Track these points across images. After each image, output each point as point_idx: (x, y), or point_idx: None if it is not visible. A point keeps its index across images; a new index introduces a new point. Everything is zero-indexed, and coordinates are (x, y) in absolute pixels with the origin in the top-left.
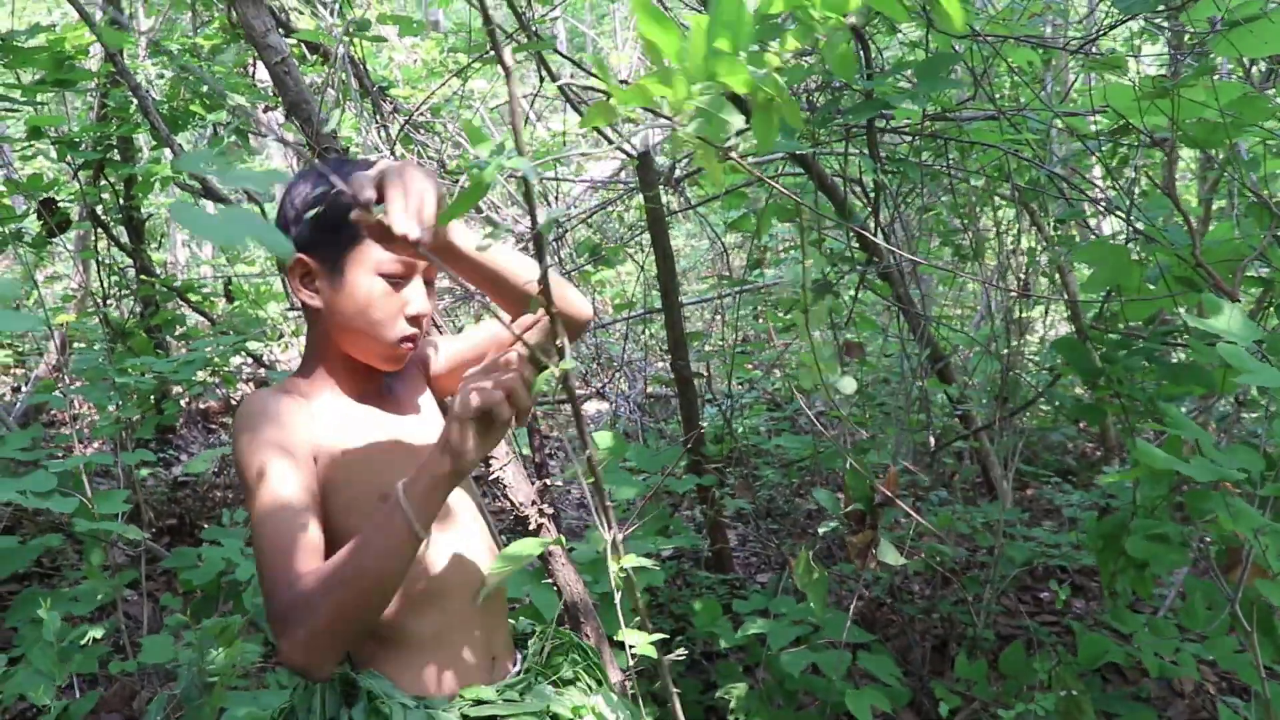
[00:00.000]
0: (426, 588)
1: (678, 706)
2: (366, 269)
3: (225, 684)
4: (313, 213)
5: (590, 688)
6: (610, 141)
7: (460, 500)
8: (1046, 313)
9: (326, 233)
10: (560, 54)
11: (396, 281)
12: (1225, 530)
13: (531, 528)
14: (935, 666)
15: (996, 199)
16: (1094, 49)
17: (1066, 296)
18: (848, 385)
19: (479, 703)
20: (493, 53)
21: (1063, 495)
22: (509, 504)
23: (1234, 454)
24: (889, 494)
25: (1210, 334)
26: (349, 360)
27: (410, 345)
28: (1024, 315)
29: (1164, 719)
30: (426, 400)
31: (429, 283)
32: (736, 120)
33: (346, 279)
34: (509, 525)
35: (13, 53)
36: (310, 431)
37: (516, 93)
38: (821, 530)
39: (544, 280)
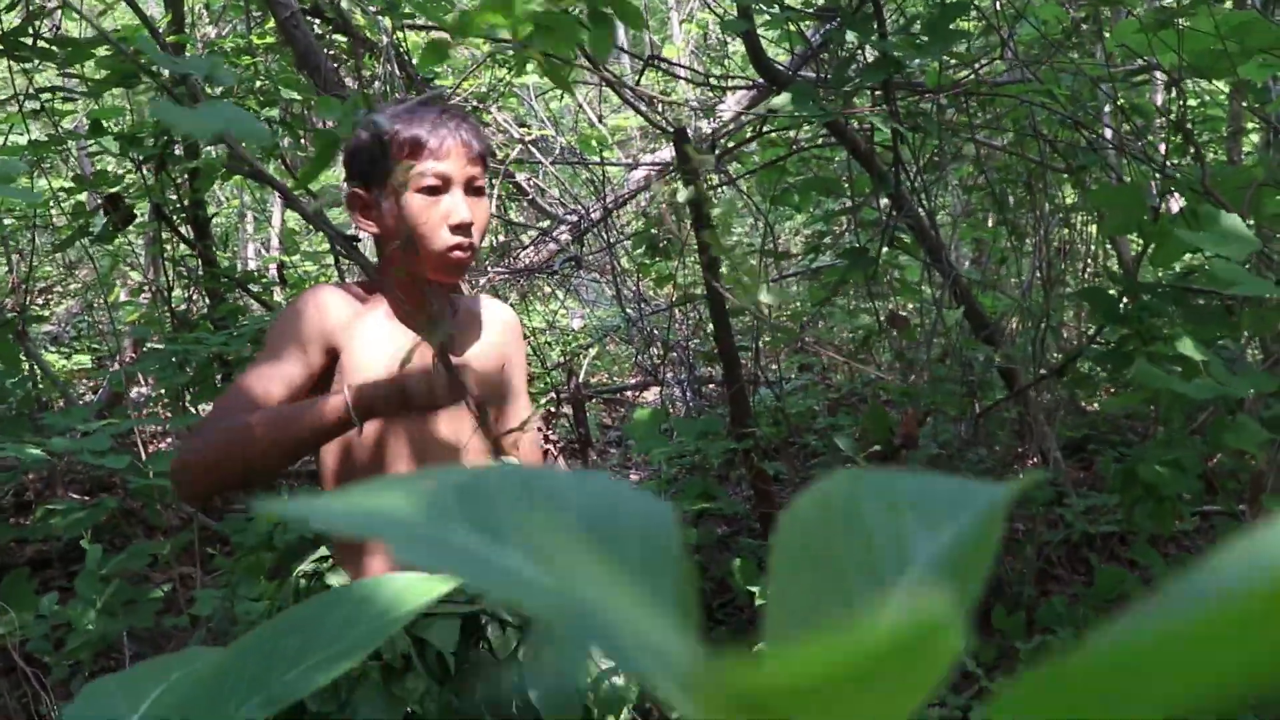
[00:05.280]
0: None
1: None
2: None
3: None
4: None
5: None
6: (652, 122)
7: (458, 433)
8: (1083, 269)
9: (370, 164)
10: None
11: (433, 192)
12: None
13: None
14: (982, 628)
15: (1029, 156)
16: None
17: (1105, 246)
18: (766, 296)
19: None
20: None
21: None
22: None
23: (1246, 377)
24: (908, 435)
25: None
26: (403, 286)
27: (460, 254)
28: (1062, 270)
29: None
30: (474, 351)
31: (477, 191)
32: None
33: (392, 201)
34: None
35: (70, 46)
36: (337, 324)
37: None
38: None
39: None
